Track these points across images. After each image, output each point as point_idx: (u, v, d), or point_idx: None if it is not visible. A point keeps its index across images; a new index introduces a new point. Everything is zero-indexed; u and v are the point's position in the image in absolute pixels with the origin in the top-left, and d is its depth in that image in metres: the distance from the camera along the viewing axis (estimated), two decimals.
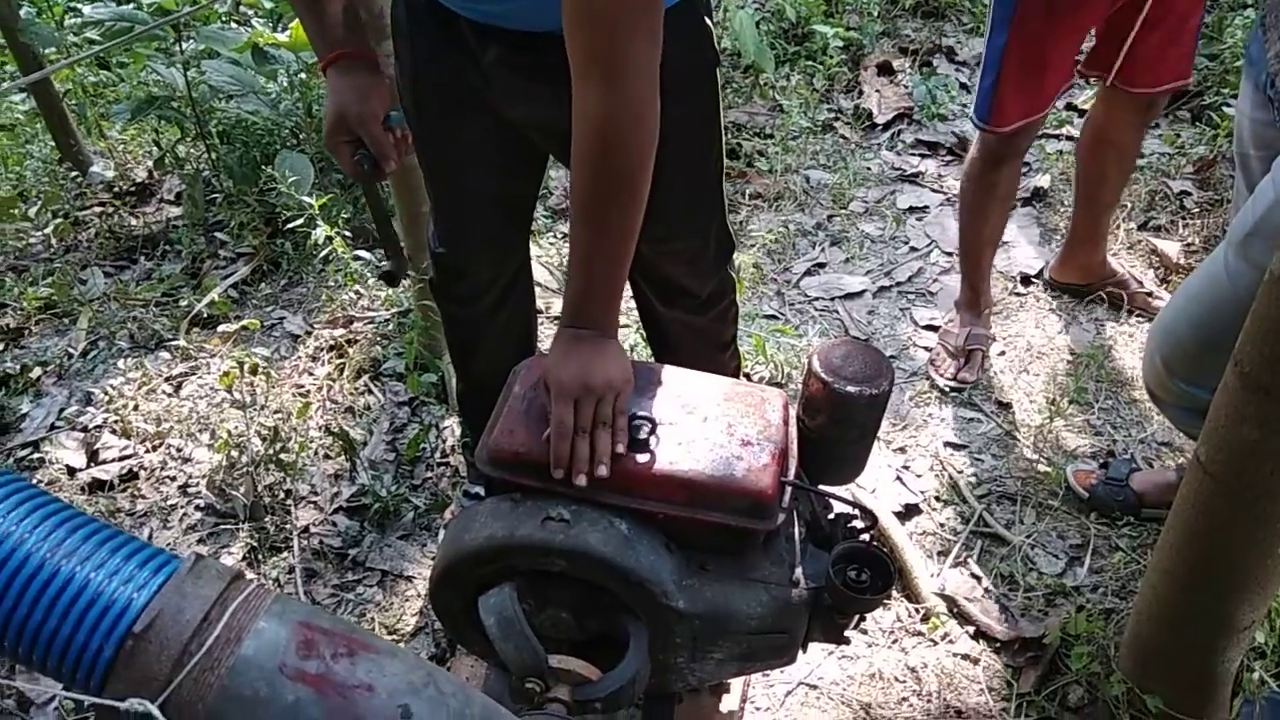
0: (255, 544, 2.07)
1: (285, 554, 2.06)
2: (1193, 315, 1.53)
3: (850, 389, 1.28)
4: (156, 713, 0.66)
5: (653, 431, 1.23)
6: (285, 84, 3.00)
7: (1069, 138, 3.20)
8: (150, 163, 3.28)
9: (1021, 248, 2.88)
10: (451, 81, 1.45)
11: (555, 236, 2.96)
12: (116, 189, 3.19)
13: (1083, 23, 2.04)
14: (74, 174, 3.21)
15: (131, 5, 3.02)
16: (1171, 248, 2.79)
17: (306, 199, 2.40)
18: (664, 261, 1.65)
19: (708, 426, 1.26)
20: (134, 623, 0.69)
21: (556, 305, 2.61)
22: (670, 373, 1.36)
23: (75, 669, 0.70)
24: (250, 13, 3.49)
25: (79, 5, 3.32)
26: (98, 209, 3.14)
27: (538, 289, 2.09)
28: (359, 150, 1.33)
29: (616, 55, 1.06)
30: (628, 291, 1.43)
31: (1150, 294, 2.62)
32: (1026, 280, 2.77)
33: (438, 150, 1.59)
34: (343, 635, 0.74)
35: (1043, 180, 3.10)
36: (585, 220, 1.18)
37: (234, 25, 3.37)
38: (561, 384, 1.20)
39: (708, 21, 1.43)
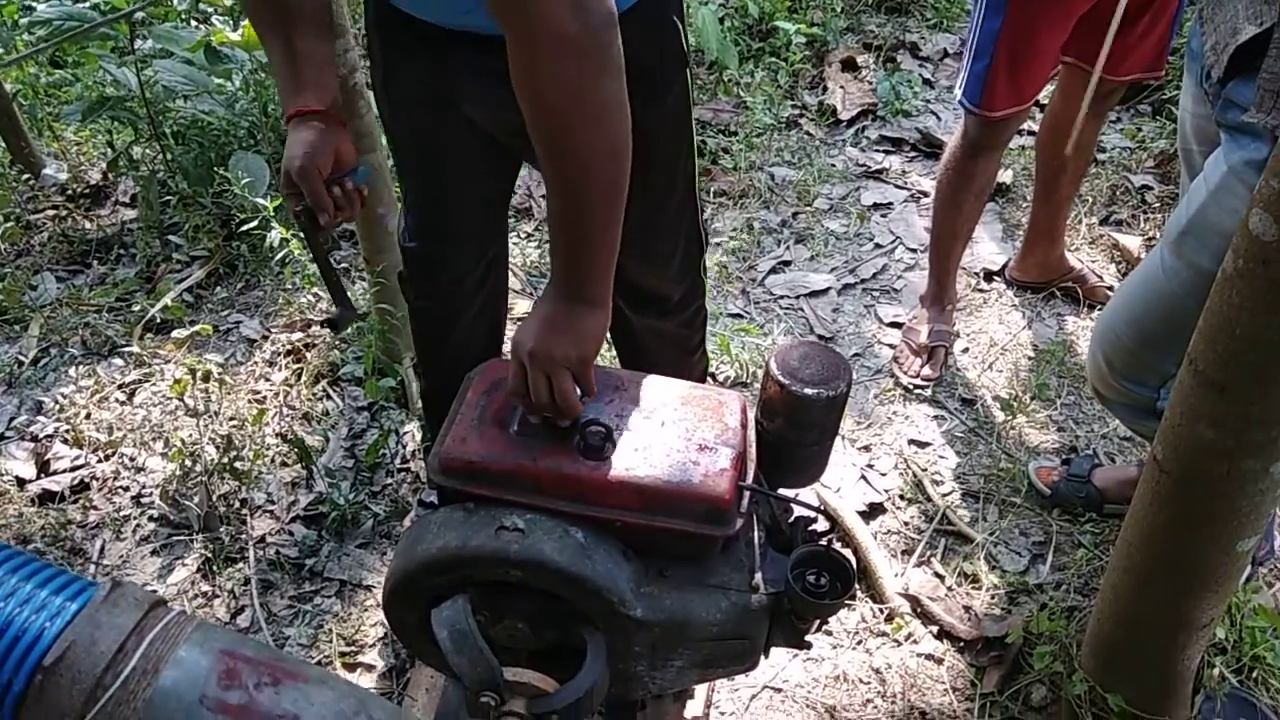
0: (210, 555, 2.03)
1: (241, 565, 2.02)
2: (1131, 313, 1.54)
3: (808, 391, 1.27)
4: None
5: (608, 437, 1.21)
6: (240, 84, 2.95)
7: (1030, 132, 3.21)
8: (104, 164, 3.21)
9: (985, 244, 2.88)
10: (422, 82, 1.45)
11: (518, 236, 2.92)
12: (69, 191, 3.12)
13: (1074, 8, 2.03)
14: (25, 176, 3.13)
15: (85, 4, 2.95)
16: (1133, 242, 2.81)
17: (261, 201, 2.36)
18: (635, 265, 1.63)
19: (665, 431, 1.24)
20: (45, 654, 0.66)
21: (521, 306, 2.58)
22: (626, 377, 1.34)
23: None
24: (210, 10, 3.42)
25: (32, 3, 3.24)
26: (50, 212, 3.07)
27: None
28: (302, 200, 1.34)
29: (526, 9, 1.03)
30: None
31: (1110, 289, 2.63)
32: (989, 276, 2.78)
33: (411, 148, 1.60)
34: (268, 663, 0.71)
35: (1005, 176, 3.11)
36: (552, 188, 1.15)
37: (193, 23, 3.30)
38: (528, 351, 1.18)
39: (677, 21, 1.41)
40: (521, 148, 1.50)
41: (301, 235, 1.51)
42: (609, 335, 1.41)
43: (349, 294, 1.54)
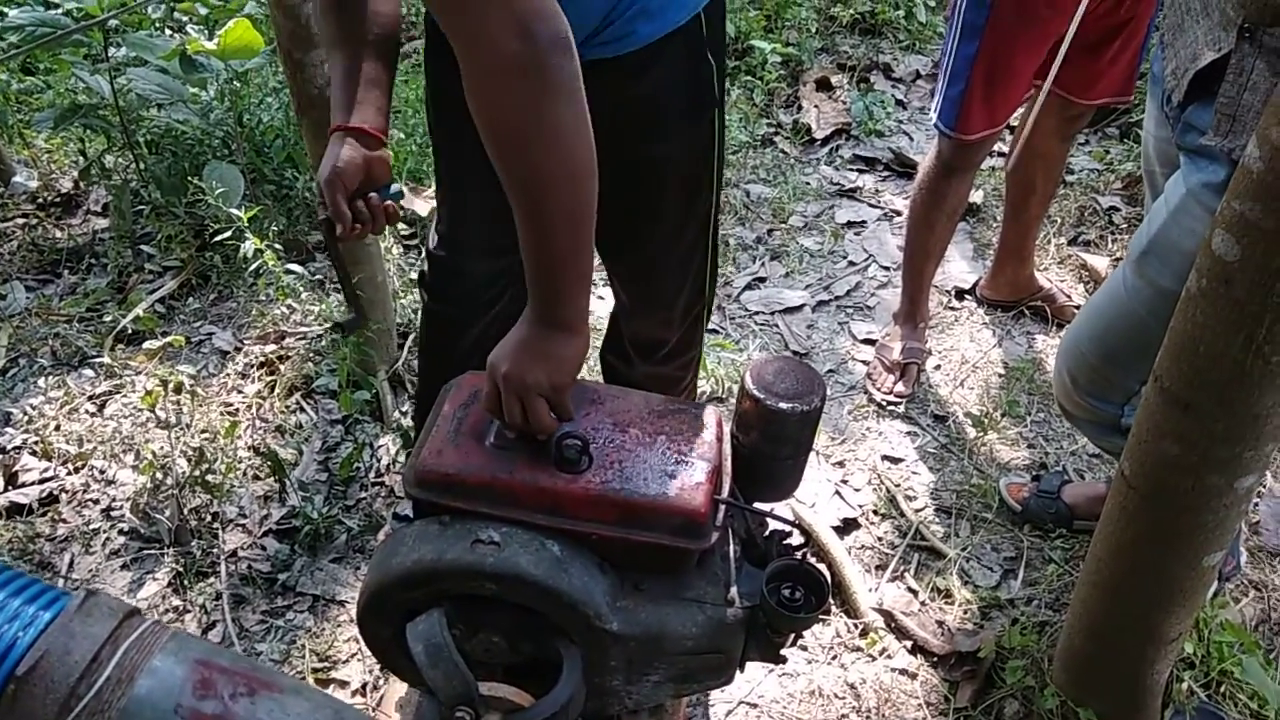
0: (181, 569, 2.00)
1: (212, 579, 2.00)
2: (1095, 330, 1.57)
3: (782, 406, 1.28)
4: None
5: (584, 451, 1.22)
6: (215, 93, 2.93)
7: (1001, 154, 3.26)
8: (76, 173, 3.18)
9: (956, 263, 2.92)
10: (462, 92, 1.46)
11: None
12: (40, 200, 3.09)
13: (1050, 32, 2.07)
14: None
15: (59, 10, 2.92)
16: (1100, 262, 2.85)
17: (235, 211, 2.34)
18: (635, 302, 1.65)
19: (641, 445, 1.25)
20: (17, 664, 0.65)
21: None
22: (603, 391, 1.34)
23: None
24: (185, 20, 3.41)
25: (3, 9, 3.21)
26: (20, 221, 3.03)
27: None
28: (327, 210, 1.39)
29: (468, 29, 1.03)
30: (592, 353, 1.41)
31: (1078, 308, 2.67)
32: (961, 295, 2.82)
33: (449, 157, 1.62)
34: (243, 673, 0.70)
35: (976, 196, 3.15)
36: (517, 220, 1.14)
37: (168, 32, 3.29)
38: (502, 374, 1.18)
39: (712, 59, 1.41)
40: None
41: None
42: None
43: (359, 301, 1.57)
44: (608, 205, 1.55)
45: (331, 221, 1.38)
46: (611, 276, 1.71)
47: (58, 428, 2.31)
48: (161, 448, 2.17)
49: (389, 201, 1.41)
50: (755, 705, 1.81)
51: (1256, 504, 2.13)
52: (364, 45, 1.38)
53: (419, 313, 1.85)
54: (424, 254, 1.75)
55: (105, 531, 2.11)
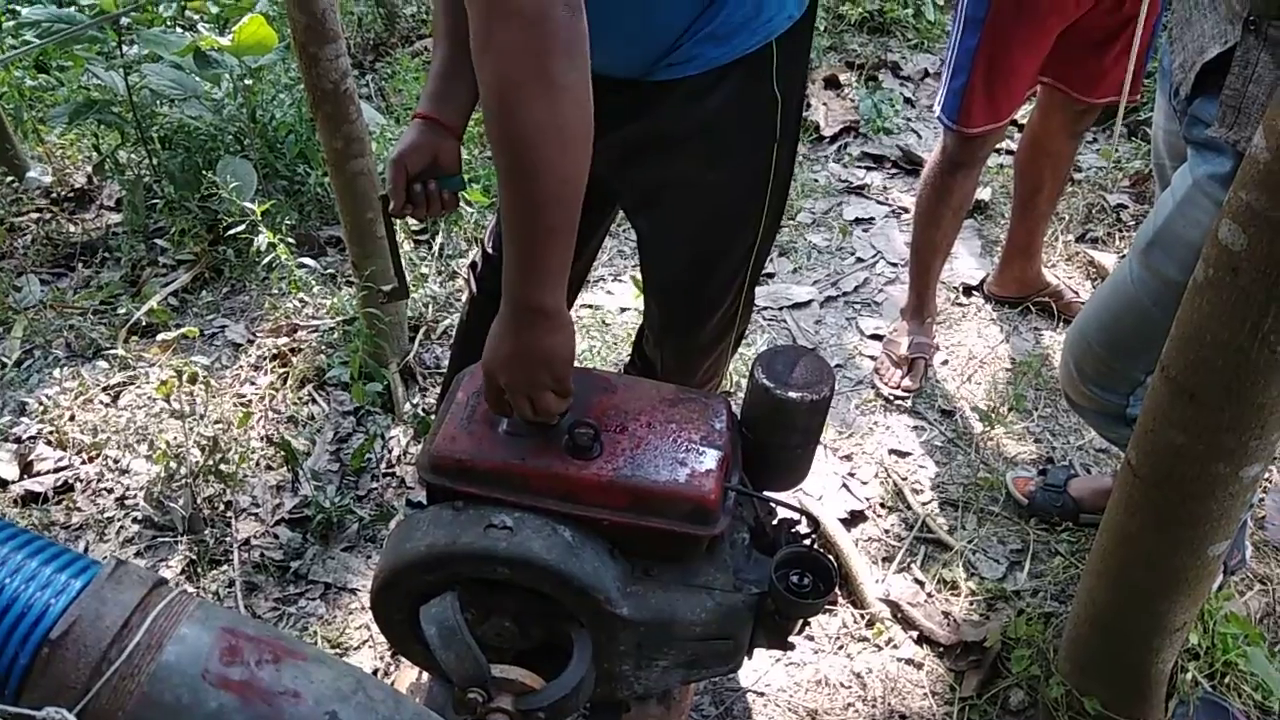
0: (194, 557, 2.03)
1: (225, 567, 2.02)
2: (1101, 321, 1.58)
3: (792, 394, 1.29)
4: None
5: (596, 438, 1.23)
6: (229, 88, 2.96)
7: (1008, 151, 3.27)
8: (90, 168, 3.21)
9: (964, 259, 2.93)
10: None
11: None
12: (54, 195, 3.12)
13: (1050, 27, 2.07)
14: (10, 179, 3.13)
15: (73, 8, 2.95)
16: (1108, 259, 2.86)
17: (249, 205, 2.37)
18: (660, 325, 1.67)
19: (652, 432, 1.26)
20: (51, 629, 0.67)
21: None
22: (614, 379, 1.36)
23: None
24: (196, 17, 3.44)
25: (17, 7, 3.24)
26: (34, 215, 3.06)
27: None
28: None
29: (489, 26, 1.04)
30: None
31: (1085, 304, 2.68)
32: (968, 291, 2.83)
33: None
34: (268, 641, 0.72)
35: (984, 193, 3.16)
36: (501, 187, 1.13)
37: (179, 29, 3.31)
38: (483, 370, 1.21)
39: (778, 94, 1.39)
40: (615, 191, 1.55)
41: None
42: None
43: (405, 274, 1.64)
44: (655, 218, 1.56)
45: (386, 198, 1.43)
46: (646, 293, 1.72)
47: (72, 418, 2.34)
48: (175, 438, 2.20)
49: (446, 191, 1.44)
50: (762, 694, 1.82)
51: (1262, 498, 2.14)
52: (463, 42, 1.39)
53: (461, 303, 1.87)
54: (479, 249, 1.79)
55: (119, 520, 2.13)
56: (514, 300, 1.16)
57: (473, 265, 1.79)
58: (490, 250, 1.73)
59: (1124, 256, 2.86)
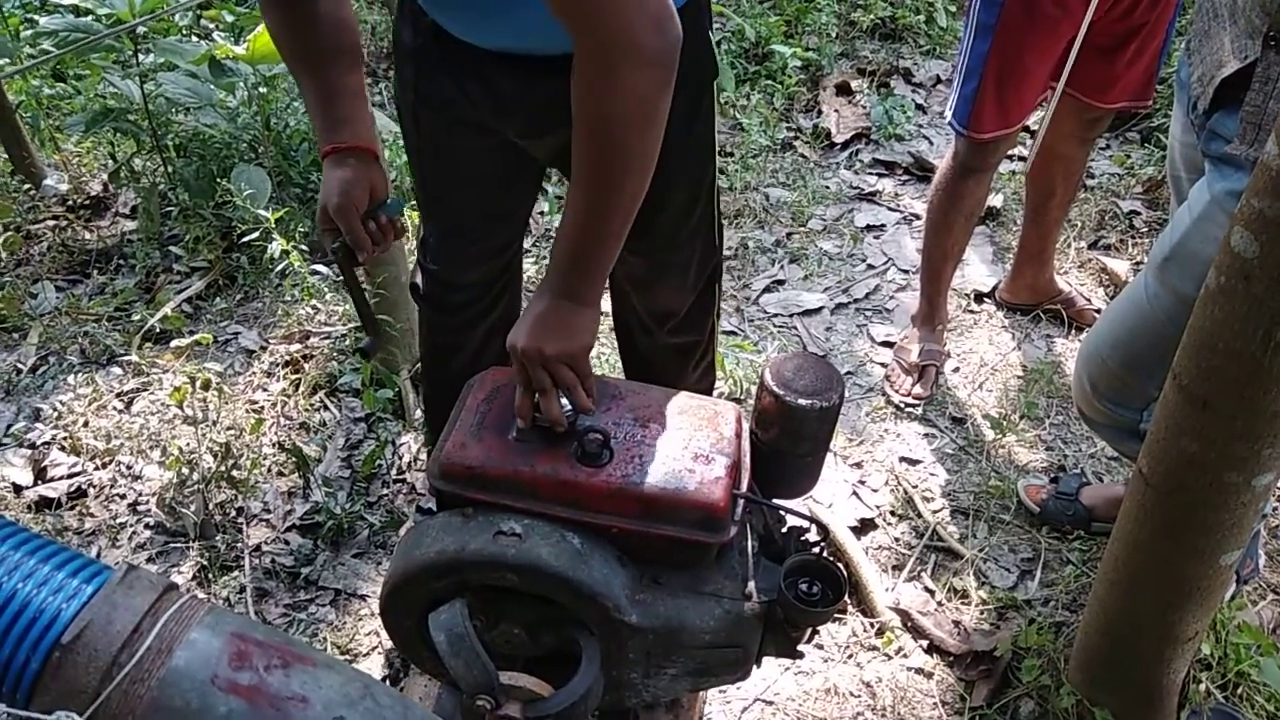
0: (206, 563, 2.04)
1: (236, 573, 2.03)
2: (1115, 337, 1.57)
3: (801, 402, 1.29)
4: None
5: (606, 445, 1.24)
6: (243, 97, 2.98)
7: (1020, 157, 3.26)
8: (105, 176, 3.24)
9: (975, 266, 2.92)
10: (452, 101, 1.46)
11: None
12: (70, 202, 3.14)
13: (1061, 33, 2.06)
14: (26, 187, 3.15)
15: (89, 17, 2.98)
16: (1121, 266, 2.85)
17: (263, 213, 2.38)
18: (649, 274, 1.66)
19: (661, 440, 1.27)
20: (62, 633, 0.68)
21: None
22: (625, 386, 1.36)
23: (1, 681, 0.69)
24: (212, 26, 3.47)
25: (35, 17, 3.27)
26: (50, 222, 3.08)
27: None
28: (338, 237, 1.37)
29: (607, 24, 1.08)
30: (607, 323, 1.42)
31: (1098, 312, 2.67)
32: (980, 298, 2.82)
33: (435, 168, 1.61)
34: (277, 647, 0.73)
35: (995, 200, 3.15)
36: (584, 191, 1.19)
37: (195, 39, 3.34)
38: (520, 350, 1.22)
39: (710, 36, 1.46)
40: (565, 164, 1.55)
41: (337, 268, 1.53)
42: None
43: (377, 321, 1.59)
44: None
45: (348, 248, 1.37)
46: (625, 253, 1.71)
47: (86, 424, 2.36)
48: (188, 444, 2.21)
49: (391, 217, 1.40)
50: (771, 702, 1.82)
51: (1276, 507, 2.12)
52: (334, 58, 1.35)
53: (418, 320, 1.85)
54: (415, 267, 1.75)
55: (132, 525, 2.15)
56: (559, 290, 1.23)
57: (414, 287, 1.76)
58: (428, 265, 1.70)
59: (1138, 265, 2.86)
